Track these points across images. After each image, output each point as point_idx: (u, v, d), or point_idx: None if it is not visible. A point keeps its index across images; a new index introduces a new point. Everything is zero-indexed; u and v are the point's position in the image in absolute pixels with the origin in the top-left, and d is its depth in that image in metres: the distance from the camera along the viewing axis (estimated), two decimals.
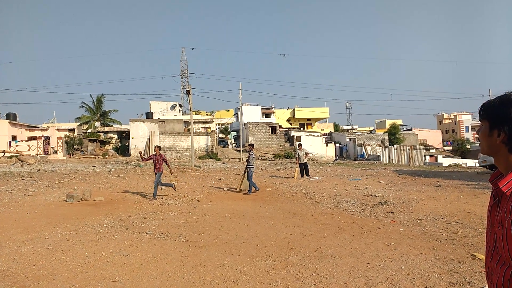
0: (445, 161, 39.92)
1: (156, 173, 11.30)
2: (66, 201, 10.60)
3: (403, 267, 4.79)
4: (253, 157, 12.95)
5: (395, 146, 39.86)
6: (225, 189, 13.43)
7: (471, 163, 37.20)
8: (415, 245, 5.86)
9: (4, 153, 30.92)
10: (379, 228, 7.23)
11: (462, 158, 47.28)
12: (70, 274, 4.68)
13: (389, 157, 36.99)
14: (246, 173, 12.67)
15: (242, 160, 35.57)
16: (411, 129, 61.75)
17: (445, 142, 63.50)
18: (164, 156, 11.69)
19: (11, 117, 38.42)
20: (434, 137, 61.90)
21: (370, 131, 61.03)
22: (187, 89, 23.74)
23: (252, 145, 13.48)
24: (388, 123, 61.89)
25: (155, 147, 11.80)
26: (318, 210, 9.33)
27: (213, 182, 15.73)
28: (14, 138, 34.87)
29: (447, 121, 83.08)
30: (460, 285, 4.09)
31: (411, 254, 5.36)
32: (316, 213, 8.95)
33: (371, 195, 11.44)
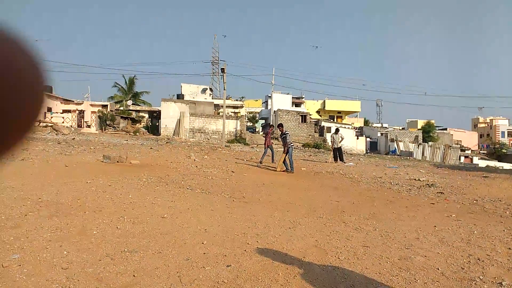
0: (481, 163, 38.16)
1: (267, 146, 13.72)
2: (102, 161, 10.55)
3: (475, 232, 4.31)
4: (289, 135, 12.43)
5: (429, 143, 38.50)
6: (259, 165, 13.07)
7: (508, 166, 35.47)
8: (479, 219, 5.33)
9: (40, 123, 31.77)
10: (433, 203, 6.72)
11: (498, 161, 45.23)
12: (117, 208, 4.46)
13: (423, 154, 35.74)
14: (287, 152, 12.09)
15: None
16: (445, 129, 59.59)
17: (480, 145, 61.07)
18: (272, 131, 14.15)
19: (46, 89, 39.42)
20: (469, 139, 59.56)
21: (402, 129, 59.28)
22: (222, 67, 23.42)
23: (281, 124, 13.01)
24: (420, 123, 60.05)
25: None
26: (361, 187, 8.86)
27: (245, 160, 15.42)
28: (49, 109, 35.76)
29: (483, 125, 79.91)
30: None
31: (478, 225, 4.85)
32: (359, 189, 8.48)
33: (415, 179, 10.84)
